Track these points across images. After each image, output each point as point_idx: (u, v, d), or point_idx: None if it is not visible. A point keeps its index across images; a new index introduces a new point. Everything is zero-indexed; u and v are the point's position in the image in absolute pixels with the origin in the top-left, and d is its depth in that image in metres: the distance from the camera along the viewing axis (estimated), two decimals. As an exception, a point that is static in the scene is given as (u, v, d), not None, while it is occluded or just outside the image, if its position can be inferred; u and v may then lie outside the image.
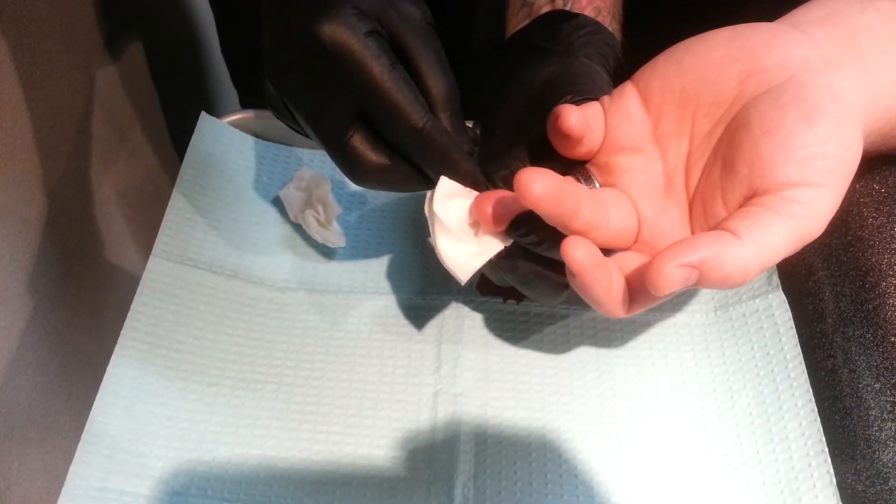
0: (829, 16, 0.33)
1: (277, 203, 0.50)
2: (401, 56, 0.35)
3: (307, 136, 0.38)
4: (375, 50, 0.33)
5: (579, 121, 0.33)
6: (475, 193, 0.34)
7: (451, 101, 0.36)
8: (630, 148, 0.34)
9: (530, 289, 0.37)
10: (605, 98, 0.35)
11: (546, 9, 0.44)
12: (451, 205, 0.34)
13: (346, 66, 0.33)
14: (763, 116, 0.30)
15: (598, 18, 0.43)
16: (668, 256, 0.27)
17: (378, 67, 0.33)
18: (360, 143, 0.35)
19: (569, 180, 0.31)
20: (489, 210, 0.33)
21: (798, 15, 0.33)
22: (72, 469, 0.38)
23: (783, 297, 0.44)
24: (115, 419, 0.40)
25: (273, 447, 0.41)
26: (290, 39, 0.35)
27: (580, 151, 0.34)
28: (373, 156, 0.35)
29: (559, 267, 0.34)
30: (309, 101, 0.36)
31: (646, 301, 0.31)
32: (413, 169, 0.35)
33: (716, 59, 0.32)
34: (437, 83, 0.35)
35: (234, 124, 0.52)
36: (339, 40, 0.33)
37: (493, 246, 0.34)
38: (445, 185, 0.34)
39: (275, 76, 0.36)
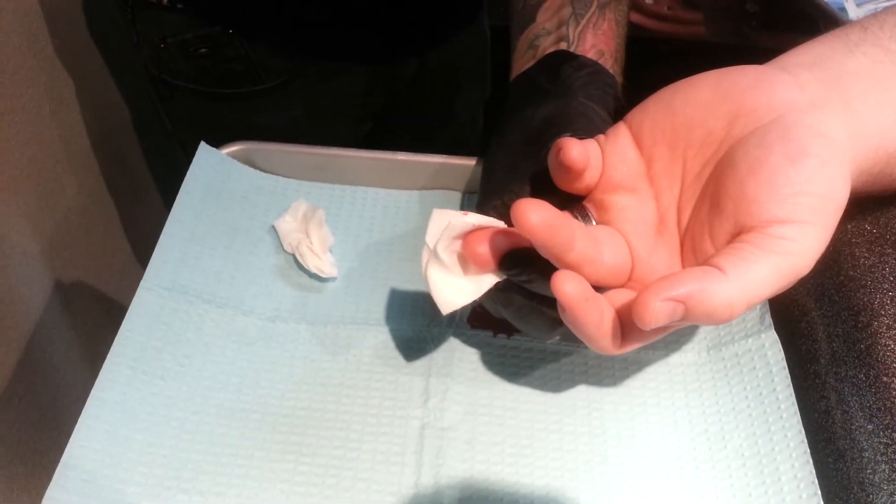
0: (816, 59, 0.33)
1: (272, 233, 0.51)
2: None
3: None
4: None
5: (581, 154, 0.33)
6: (470, 225, 0.34)
7: None
8: (625, 187, 0.34)
9: (525, 323, 0.37)
10: (601, 136, 0.35)
11: (550, 50, 0.45)
12: (445, 237, 0.34)
13: None
14: (748, 156, 0.30)
15: (601, 61, 0.44)
16: (654, 290, 0.27)
17: None
18: None
19: (564, 214, 0.31)
20: (478, 249, 0.33)
21: (786, 59, 0.34)
22: (48, 493, 0.37)
23: (776, 336, 0.43)
24: (96, 443, 0.40)
25: (255, 477, 0.40)
26: None
27: (579, 186, 0.35)
28: None
29: (553, 302, 0.34)
30: None
31: (638, 337, 0.31)
32: None
33: (704, 100, 0.33)
34: None
35: (234, 155, 0.53)
36: None
37: (483, 283, 0.34)
38: (439, 216, 0.34)
39: None
